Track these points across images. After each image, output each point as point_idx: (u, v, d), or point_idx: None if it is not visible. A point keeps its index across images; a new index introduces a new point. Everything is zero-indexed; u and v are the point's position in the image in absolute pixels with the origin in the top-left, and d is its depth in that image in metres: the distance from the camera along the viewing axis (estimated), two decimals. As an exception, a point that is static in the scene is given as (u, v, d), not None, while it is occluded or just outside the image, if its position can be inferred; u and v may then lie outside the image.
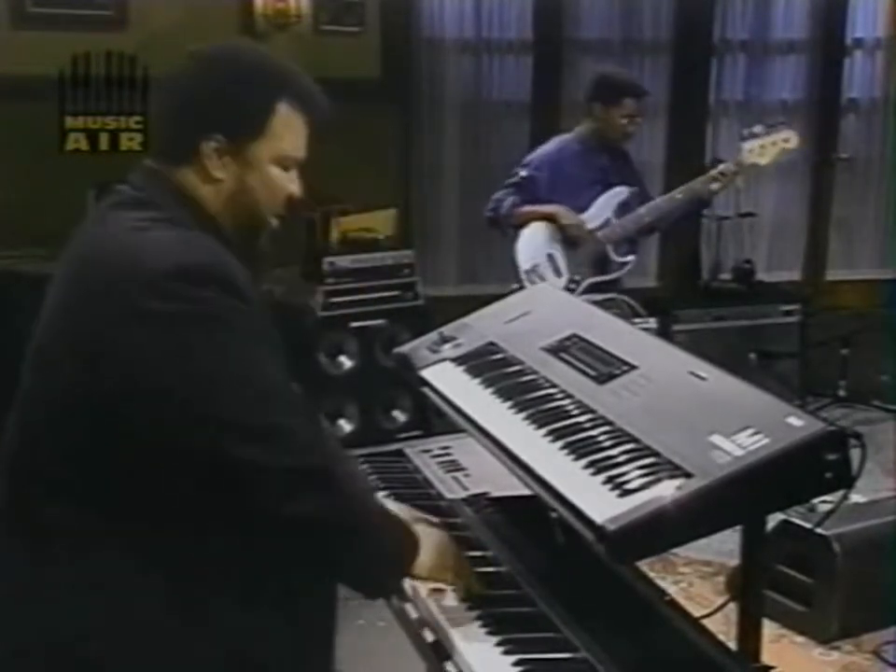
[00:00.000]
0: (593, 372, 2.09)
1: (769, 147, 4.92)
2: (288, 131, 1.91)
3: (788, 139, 4.95)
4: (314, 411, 2.01)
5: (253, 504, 1.72)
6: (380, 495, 2.45)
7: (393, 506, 2.12)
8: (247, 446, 1.69)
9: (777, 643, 3.74)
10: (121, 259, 1.74)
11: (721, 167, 5.00)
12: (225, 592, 1.77)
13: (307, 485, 1.72)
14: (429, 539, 1.97)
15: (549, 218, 4.98)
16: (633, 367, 2.04)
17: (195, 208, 1.88)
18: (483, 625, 1.94)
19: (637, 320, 4.74)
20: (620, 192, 5.06)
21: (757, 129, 4.97)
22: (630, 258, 5.08)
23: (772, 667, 1.85)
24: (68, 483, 1.76)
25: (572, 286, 4.96)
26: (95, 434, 1.72)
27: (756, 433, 1.68)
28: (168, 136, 1.95)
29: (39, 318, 1.87)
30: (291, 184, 1.96)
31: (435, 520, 2.13)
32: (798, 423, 1.67)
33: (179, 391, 1.69)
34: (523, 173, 5.06)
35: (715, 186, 4.95)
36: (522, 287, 4.94)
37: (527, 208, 5.01)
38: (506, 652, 1.86)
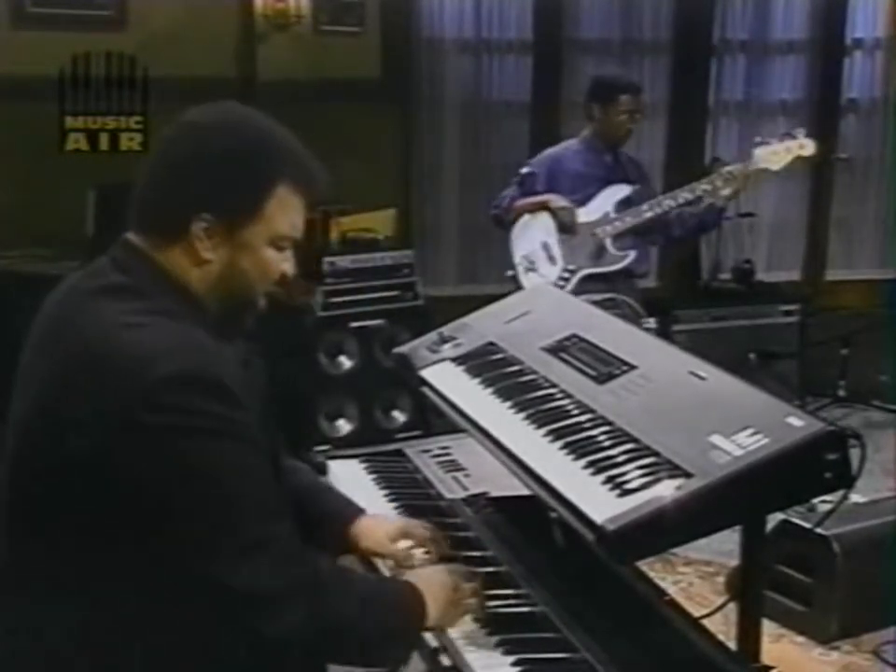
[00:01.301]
0: (592, 372, 2.09)
1: (782, 153, 4.89)
2: (285, 212, 1.81)
3: (803, 146, 4.91)
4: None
5: (238, 625, 1.70)
6: (380, 495, 2.46)
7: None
8: (237, 567, 1.65)
9: (776, 643, 3.74)
10: (114, 364, 1.65)
11: (729, 168, 4.99)
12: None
13: (292, 606, 1.69)
14: (434, 590, 1.91)
15: (542, 207, 5.00)
16: (632, 367, 2.04)
17: (182, 295, 1.78)
18: (483, 626, 1.94)
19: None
20: (621, 189, 5.06)
21: (772, 136, 4.95)
22: (630, 252, 5.07)
23: (771, 667, 1.85)
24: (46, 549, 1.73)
25: (566, 275, 4.97)
26: (75, 525, 1.69)
27: (756, 433, 1.68)
28: (155, 211, 1.81)
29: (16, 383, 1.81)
30: (285, 263, 1.85)
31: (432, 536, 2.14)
32: (798, 423, 1.68)
33: (167, 506, 1.64)
34: (524, 170, 5.09)
35: (727, 191, 4.93)
36: (516, 275, 4.99)
37: (523, 200, 5.04)
38: (506, 652, 1.86)
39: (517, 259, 5.02)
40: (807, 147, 4.91)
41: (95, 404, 1.64)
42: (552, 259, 5.01)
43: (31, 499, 1.75)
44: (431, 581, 1.95)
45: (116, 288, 1.76)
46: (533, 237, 5.03)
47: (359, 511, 2.20)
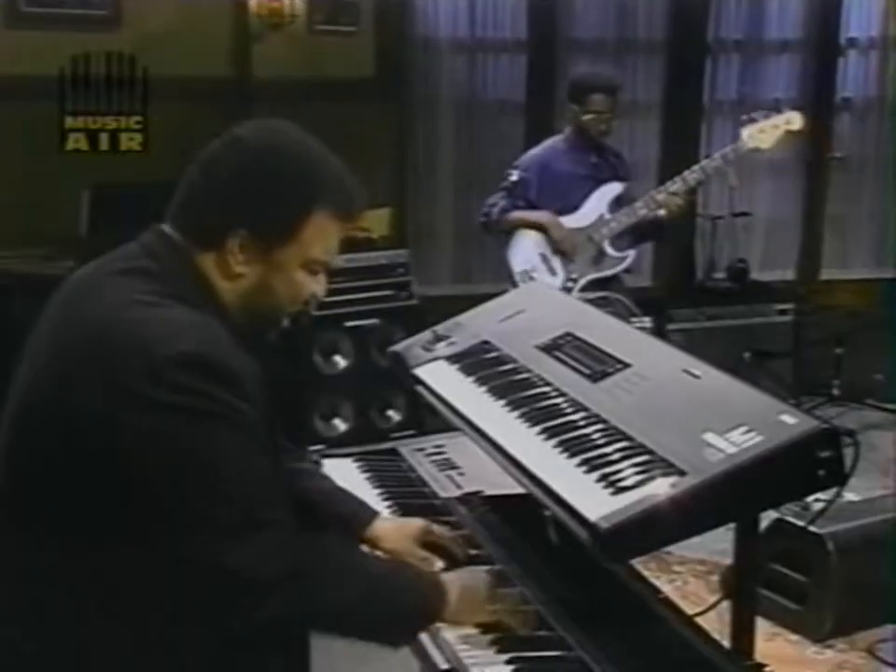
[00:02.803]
0: (586, 371, 2.09)
1: (770, 129, 4.88)
2: (321, 238, 1.85)
3: (790, 121, 4.91)
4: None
5: (220, 608, 1.70)
6: (374, 494, 2.45)
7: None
8: (224, 550, 1.66)
9: (771, 641, 3.74)
10: (126, 337, 1.68)
11: (720, 153, 5.00)
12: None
13: (276, 596, 1.69)
14: (458, 584, 1.92)
15: (537, 227, 4.97)
16: (626, 365, 2.04)
17: (208, 293, 1.81)
18: (477, 624, 1.93)
19: (632, 319, 4.73)
20: (613, 188, 5.05)
21: (756, 114, 4.95)
22: (630, 253, 5.07)
23: (765, 665, 1.85)
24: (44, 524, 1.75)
25: (570, 284, 4.96)
26: (73, 496, 1.70)
27: (749, 431, 1.68)
28: (194, 217, 1.84)
29: (21, 366, 1.83)
30: (316, 285, 1.90)
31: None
32: (791, 421, 1.68)
33: (163, 484, 1.66)
34: (513, 177, 5.04)
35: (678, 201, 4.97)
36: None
37: (516, 214, 5.00)
38: (500, 651, 1.86)
39: (517, 273, 4.97)
40: (794, 121, 4.92)
41: (102, 373, 1.67)
42: (552, 270, 4.99)
43: (23, 471, 1.77)
44: (463, 577, 1.96)
45: (140, 271, 1.80)
46: (531, 250, 4.99)
47: (375, 514, 2.21)
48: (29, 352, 1.84)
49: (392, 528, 2.18)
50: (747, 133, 4.89)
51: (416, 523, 2.20)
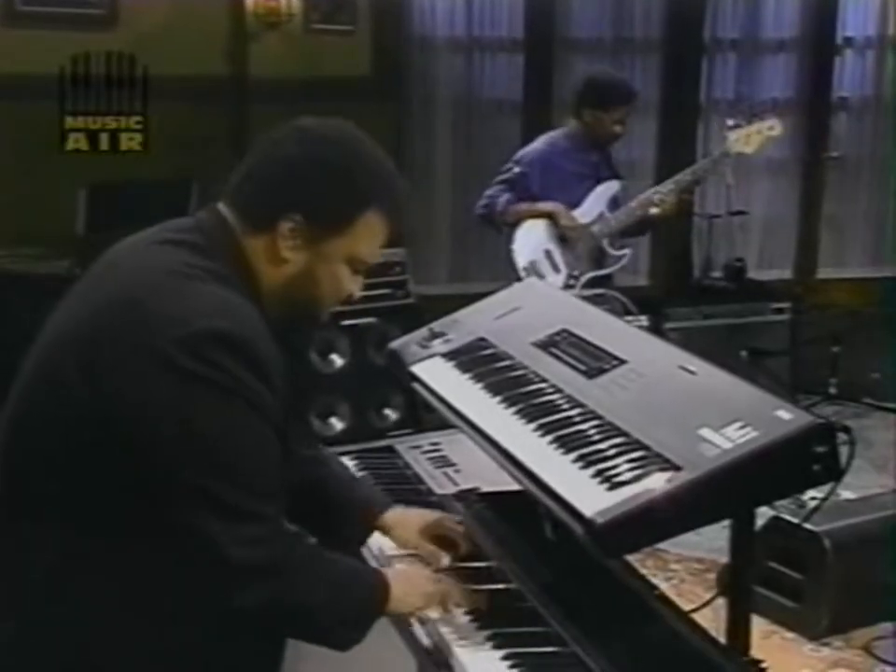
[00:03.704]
0: (583, 367, 2.09)
1: (754, 135, 5.02)
2: (370, 236, 1.89)
3: (772, 127, 5.06)
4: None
5: (204, 588, 1.72)
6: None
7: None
8: (213, 522, 1.67)
9: (767, 639, 3.74)
10: (163, 303, 1.71)
11: (709, 157, 5.17)
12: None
13: (257, 584, 1.70)
14: (402, 579, 1.97)
15: (546, 216, 4.98)
16: (622, 361, 2.04)
17: (249, 277, 1.84)
18: (473, 620, 1.94)
19: (628, 318, 4.73)
20: (612, 186, 5.07)
21: (740, 119, 5.10)
22: (627, 250, 5.09)
23: (760, 661, 1.85)
24: (48, 494, 1.75)
25: (571, 281, 4.96)
26: (82, 456, 1.71)
27: (745, 426, 1.68)
28: (251, 197, 1.87)
29: (48, 322, 1.84)
30: (354, 284, 1.94)
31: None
32: (787, 416, 1.67)
33: (173, 448, 1.67)
34: (516, 169, 5.05)
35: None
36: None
37: (524, 206, 4.99)
38: (496, 646, 1.86)
39: (522, 266, 4.97)
40: (776, 128, 5.07)
41: (133, 338, 1.69)
42: (555, 266, 4.99)
43: (22, 471, 1.77)
44: (408, 573, 2.03)
45: (186, 244, 1.83)
46: (536, 245, 4.99)
47: (389, 503, 2.24)
48: (41, 341, 1.83)
49: (403, 520, 2.21)
50: (733, 137, 5.03)
51: (427, 516, 2.22)
